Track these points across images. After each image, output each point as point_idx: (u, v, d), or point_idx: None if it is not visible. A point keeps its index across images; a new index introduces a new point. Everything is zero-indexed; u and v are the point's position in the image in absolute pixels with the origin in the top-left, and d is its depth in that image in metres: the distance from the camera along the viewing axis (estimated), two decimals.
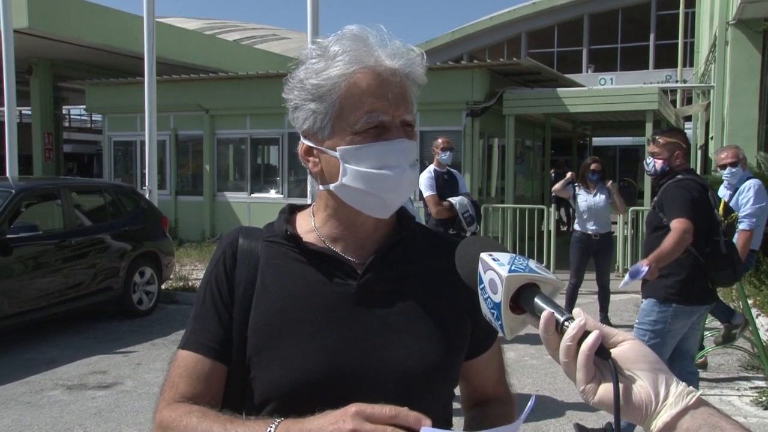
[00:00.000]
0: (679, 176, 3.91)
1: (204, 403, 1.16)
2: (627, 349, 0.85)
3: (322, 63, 1.16)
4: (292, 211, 1.32)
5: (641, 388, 0.83)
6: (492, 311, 0.96)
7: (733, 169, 5.88)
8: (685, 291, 3.78)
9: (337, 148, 1.17)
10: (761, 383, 5.53)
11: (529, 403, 0.98)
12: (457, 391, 1.33)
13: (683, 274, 3.78)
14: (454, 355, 1.23)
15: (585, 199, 7.17)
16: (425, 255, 1.28)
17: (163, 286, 8.85)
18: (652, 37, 27.64)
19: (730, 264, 3.69)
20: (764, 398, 5.13)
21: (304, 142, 1.23)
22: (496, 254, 0.97)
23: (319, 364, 1.14)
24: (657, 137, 4.08)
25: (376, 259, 1.21)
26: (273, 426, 1.02)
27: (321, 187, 1.23)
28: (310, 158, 1.23)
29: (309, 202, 1.34)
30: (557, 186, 7.61)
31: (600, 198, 7.11)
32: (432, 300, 1.23)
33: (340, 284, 1.20)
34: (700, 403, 0.82)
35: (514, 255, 0.97)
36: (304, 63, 1.19)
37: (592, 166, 7.24)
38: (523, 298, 0.93)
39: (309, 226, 1.27)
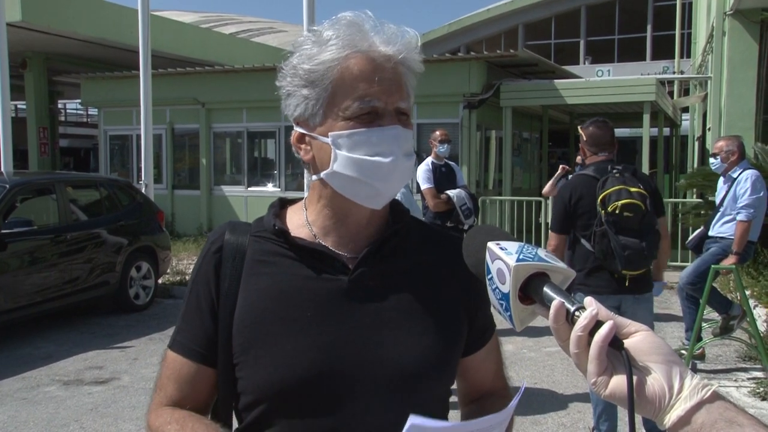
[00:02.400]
0: (578, 172, 4.07)
1: (191, 405, 1.17)
2: (640, 340, 0.82)
3: (315, 48, 1.13)
4: (283, 205, 1.29)
5: (655, 380, 0.80)
6: (501, 302, 0.93)
7: (713, 160, 5.97)
8: (582, 280, 3.90)
9: (329, 133, 1.14)
10: (759, 374, 5.53)
11: (519, 391, 0.95)
12: (454, 385, 1.30)
13: (579, 264, 3.94)
14: (450, 351, 1.21)
15: None
16: (420, 249, 1.25)
17: (159, 281, 8.83)
18: (649, 28, 27.57)
19: (611, 255, 3.72)
20: (762, 389, 5.13)
21: (297, 130, 1.20)
22: (503, 243, 0.94)
23: (310, 363, 1.11)
24: (579, 127, 4.20)
25: (369, 253, 1.18)
26: None
27: (313, 177, 1.20)
28: (302, 146, 1.20)
29: (306, 195, 1.31)
30: (546, 188, 7.58)
31: None
32: (427, 295, 1.20)
33: (330, 280, 1.16)
34: (716, 396, 0.79)
35: (522, 243, 0.94)
36: (298, 50, 1.17)
37: (578, 159, 7.26)
38: (532, 287, 0.90)
39: (301, 220, 1.23)
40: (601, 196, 3.74)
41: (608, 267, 3.79)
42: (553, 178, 7.39)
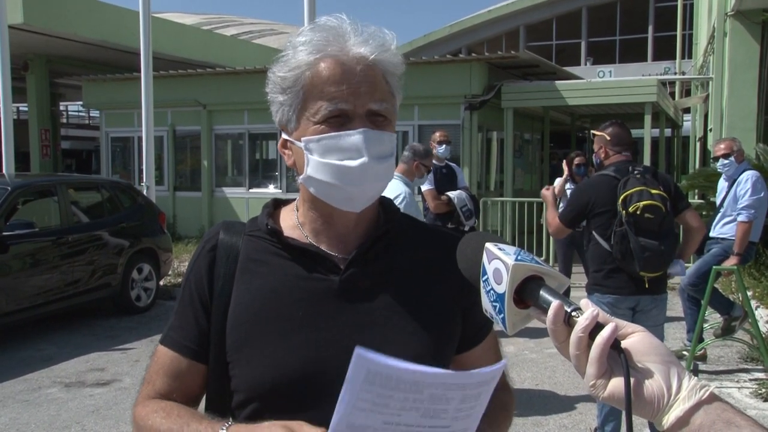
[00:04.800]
0: (598, 172, 4.07)
1: (179, 399, 1.18)
2: (637, 340, 0.82)
3: (290, 54, 1.15)
4: (276, 205, 1.30)
5: (653, 381, 0.80)
6: (494, 304, 0.93)
7: (726, 161, 5.90)
8: (599, 281, 3.91)
9: (302, 138, 1.15)
10: (761, 375, 5.52)
11: (501, 362, 0.92)
12: None
13: (596, 265, 3.94)
14: (442, 350, 1.21)
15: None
16: (411, 247, 1.25)
17: (161, 283, 8.84)
18: (650, 29, 27.56)
19: (629, 256, 3.71)
20: (764, 390, 5.13)
21: (282, 135, 1.22)
22: (501, 245, 0.95)
23: (300, 363, 1.12)
24: (592, 131, 4.19)
25: (359, 253, 1.19)
26: (223, 430, 1.04)
27: (298, 180, 1.22)
28: (286, 151, 1.22)
29: None
30: (558, 186, 7.56)
31: None
32: (419, 293, 1.21)
33: (322, 280, 1.18)
34: (714, 398, 0.79)
35: (519, 248, 0.95)
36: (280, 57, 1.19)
37: (576, 161, 7.33)
38: (528, 290, 0.91)
39: (292, 221, 1.25)
40: (622, 196, 3.74)
41: (626, 268, 3.77)
42: (561, 182, 7.43)
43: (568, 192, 7.27)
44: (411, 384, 0.82)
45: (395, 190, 4.82)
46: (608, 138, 4.05)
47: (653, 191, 3.74)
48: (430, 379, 0.83)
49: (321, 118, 1.12)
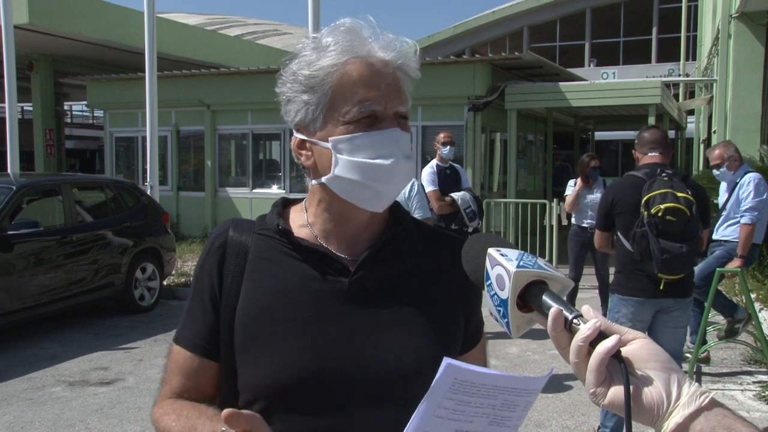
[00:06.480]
0: (627, 172, 4.16)
1: (195, 397, 1.19)
2: (638, 347, 0.82)
3: (315, 54, 1.15)
4: (285, 204, 1.30)
5: (653, 388, 0.80)
6: (498, 308, 0.93)
7: (718, 172, 5.91)
8: (622, 282, 3.96)
9: (330, 138, 1.15)
10: (764, 377, 5.52)
11: (549, 372, 0.95)
12: None
13: (619, 266, 4.01)
14: (447, 352, 1.21)
15: (583, 195, 7.19)
16: (420, 251, 1.26)
17: (164, 282, 8.86)
18: (654, 30, 27.51)
19: (648, 257, 3.73)
20: (767, 392, 5.12)
21: (297, 136, 1.22)
22: (504, 250, 0.95)
23: (307, 363, 1.12)
24: None
25: (369, 255, 1.19)
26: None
27: (314, 181, 1.22)
28: (303, 151, 1.22)
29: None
30: (569, 202, 7.48)
31: (598, 194, 7.09)
32: (425, 296, 1.21)
33: (331, 281, 1.18)
34: (714, 404, 0.79)
35: (522, 252, 0.95)
36: (297, 56, 1.19)
37: (592, 164, 7.28)
38: (531, 295, 0.91)
39: (302, 221, 1.25)
40: (645, 198, 3.74)
41: (645, 269, 3.78)
42: (572, 195, 7.37)
43: (589, 198, 7.21)
44: (491, 389, 0.86)
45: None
46: (636, 142, 4.15)
47: (679, 194, 3.71)
48: (511, 384, 0.86)
49: (351, 118, 1.13)
